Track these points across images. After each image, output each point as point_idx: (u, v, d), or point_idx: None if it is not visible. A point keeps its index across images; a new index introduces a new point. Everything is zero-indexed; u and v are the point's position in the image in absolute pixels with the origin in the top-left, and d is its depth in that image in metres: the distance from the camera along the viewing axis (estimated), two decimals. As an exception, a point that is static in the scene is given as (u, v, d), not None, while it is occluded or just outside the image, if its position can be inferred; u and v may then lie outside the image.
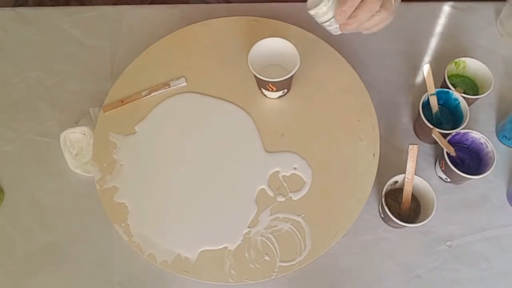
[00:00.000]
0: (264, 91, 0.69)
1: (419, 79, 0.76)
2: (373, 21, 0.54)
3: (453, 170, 0.61)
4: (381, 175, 0.65)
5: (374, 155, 0.66)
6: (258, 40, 0.66)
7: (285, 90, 0.69)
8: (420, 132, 0.70)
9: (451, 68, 0.70)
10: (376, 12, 0.53)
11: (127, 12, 0.82)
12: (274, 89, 0.66)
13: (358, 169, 0.65)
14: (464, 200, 0.66)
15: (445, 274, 0.62)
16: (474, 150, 0.66)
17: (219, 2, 0.86)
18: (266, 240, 0.62)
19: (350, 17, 0.53)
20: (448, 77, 0.69)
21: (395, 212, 0.63)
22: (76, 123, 0.70)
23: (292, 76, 0.64)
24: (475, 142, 0.65)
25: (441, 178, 0.67)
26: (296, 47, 0.65)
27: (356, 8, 0.52)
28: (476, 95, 0.68)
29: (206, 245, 0.61)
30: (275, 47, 0.67)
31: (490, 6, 0.82)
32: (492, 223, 0.65)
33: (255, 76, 0.65)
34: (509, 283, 0.62)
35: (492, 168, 0.61)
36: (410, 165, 0.61)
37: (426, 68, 0.67)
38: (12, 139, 0.71)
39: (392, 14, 0.55)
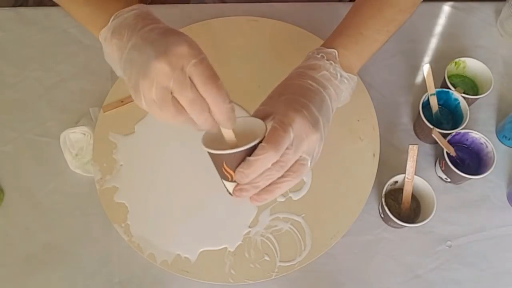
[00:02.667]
0: (226, 184, 0.49)
1: (419, 79, 0.76)
2: (278, 189, 0.46)
3: (453, 170, 0.61)
4: (381, 175, 0.65)
5: (374, 155, 0.66)
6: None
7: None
8: (420, 132, 0.70)
9: (451, 68, 0.70)
10: (285, 178, 0.46)
11: (127, 12, 0.82)
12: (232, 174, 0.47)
13: (358, 169, 0.65)
14: (464, 200, 0.66)
15: (445, 274, 0.62)
16: (474, 150, 0.66)
17: (219, 2, 0.86)
18: (266, 240, 0.62)
19: (250, 182, 0.45)
20: (448, 77, 0.69)
21: (395, 212, 0.63)
22: (76, 123, 0.70)
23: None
24: (475, 142, 0.65)
25: (441, 178, 0.67)
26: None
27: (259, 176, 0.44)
28: (476, 95, 0.68)
29: (206, 246, 0.61)
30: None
31: (490, 6, 0.82)
32: (492, 223, 0.65)
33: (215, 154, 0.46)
34: (509, 283, 0.62)
35: (492, 168, 0.61)
36: (410, 165, 0.61)
37: (426, 68, 0.67)
38: (12, 139, 0.71)
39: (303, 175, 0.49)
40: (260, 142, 0.45)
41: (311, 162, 0.48)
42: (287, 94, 0.50)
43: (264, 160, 0.43)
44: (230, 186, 0.48)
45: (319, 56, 0.54)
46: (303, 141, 0.46)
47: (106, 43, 0.48)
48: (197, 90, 0.42)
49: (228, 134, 0.46)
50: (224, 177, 0.47)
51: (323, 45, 0.56)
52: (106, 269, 0.63)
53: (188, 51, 0.41)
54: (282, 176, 0.46)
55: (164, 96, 0.41)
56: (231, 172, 0.46)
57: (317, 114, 0.48)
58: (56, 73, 0.76)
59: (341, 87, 0.53)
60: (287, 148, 0.45)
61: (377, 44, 0.57)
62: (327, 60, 0.53)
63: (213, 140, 0.46)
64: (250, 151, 0.44)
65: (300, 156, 0.47)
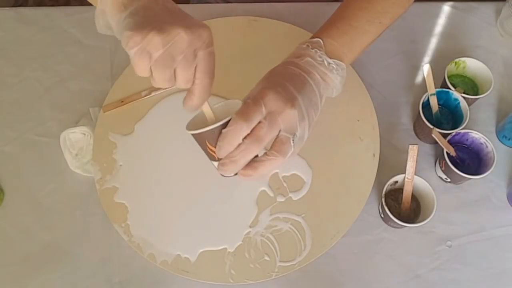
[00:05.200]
0: (215, 164, 0.52)
1: (419, 79, 0.76)
2: (262, 166, 0.48)
3: (453, 170, 0.61)
4: (381, 175, 0.65)
5: (374, 155, 0.66)
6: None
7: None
8: (420, 132, 0.70)
9: (451, 68, 0.70)
10: (268, 156, 0.48)
11: (127, 12, 0.82)
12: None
13: (358, 169, 0.65)
14: (464, 200, 0.66)
15: (445, 274, 0.62)
16: (474, 150, 0.66)
17: (219, 2, 0.86)
18: (266, 240, 0.62)
19: (227, 156, 0.47)
20: (448, 77, 0.69)
21: (395, 212, 0.63)
22: (76, 123, 0.70)
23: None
24: (475, 142, 0.65)
25: (441, 178, 0.67)
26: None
27: (236, 148, 0.47)
28: (476, 95, 0.68)
29: (206, 246, 0.61)
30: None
31: (490, 6, 0.82)
32: (492, 223, 0.65)
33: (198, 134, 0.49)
34: (509, 283, 0.62)
35: (492, 168, 0.61)
36: (410, 165, 0.61)
37: (426, 68, 0.67)
38: (12, 139, 0.71)
39: (291, 157, 0.49)
40: None
41: (293, 141, 0.48)
42: (269, 78, 0.52)
43: (235, 131, 0.46)
44: (217, 165, 0.50)
45: (304, 46, 0.55)
46: (277, 116, 0.47)
47: None
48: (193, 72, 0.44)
49: (208, 112, 0.50)
50: (211, 157, 0.51)
51: (311, 37, 0.57)
52: (106, 269, 0.63)
53: (208, 39, 0.44)
54: (266, 154, 0.48)
55: (166, 62, 0.42)
56: (214, 149, 0.49)
57: (294, 92, 0.49)
58: (56, 73, 0.76)
59: (330, 74, 0.54)
60: (260, 122, 0.47)
61: (370, 36, 0.57)
62: (312, 48, 0.54)
63: (197, 124, 0.49)
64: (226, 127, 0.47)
65: (280, 133, 0.48)
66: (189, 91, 0.46)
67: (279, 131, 0.48)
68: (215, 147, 0.48)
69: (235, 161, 0.47)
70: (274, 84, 0.50)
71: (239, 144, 0.46)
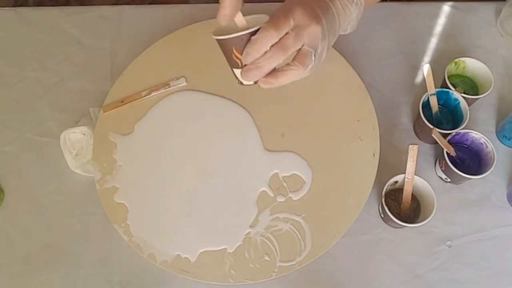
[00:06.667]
0: (236, 72, 0.54)
1: (419, 79, 0.76)
2: (283, 76, 0.50)
3: (453, 170, 0.61)
4: (381, 175, 0.65)
5: (374, 155, 0.66)
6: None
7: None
8: (420, 132, 0.70)
9: (451, 68, 0.70)
10: (290, 66, 0.50)
11: (127, 12, 0.82)
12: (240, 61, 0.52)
13: (358, 169, 0.65)
14: (464, 200, 0.66)
15: (445, 274, 0.62)
16: (474, 150, 0.66)
17: (219, 2, 0.86)
18: (266, 240, 0.62)
19: (253, 62, 0.50)
20: (448, 77, 0.69)
21: (395, 212, 0.63)
22: (76, 123, 0.70)
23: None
24: (475, 142, 0.65)
25: (441, 178, 0.67)
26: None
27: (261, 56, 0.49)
28: (476, 95, 0.68)
29: (206, 246, 0.61)
30: None
31: (490, 6, 0.82)
32: (492, 223, 0.65)
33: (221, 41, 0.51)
34: (509, 283, 0.62)
35: (492, 168, 0.61)
36: (410, 165, 0.61)
37: (426, 68, 0.67)
38: (12, 139, 0.71)
39: (309, 72, 0.52)
40: None
41: (315, 56, 0.51)
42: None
43: (264, 38, 0.48)
44: (238, 73, 0.52)
45: None
46: (303, 30, 0.50)
47: None
48: None
49: (242, 23, 0.54)
50: (234, 64, 0.52)
51: None
52: (106, 269, 0.63)
53: None
54: (288, 65, 0.51)
55: None
56: (240, 56, 0.51)
57: (319, 13, 0.52)
58: (56, 73, 0.76)
59: (350, 6, 0.55)
60: (287, 33, 0.49)
61: None
62: None
63: (223, 33, 0.51)
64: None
65: (303, 47, 0.50)
66: (219, 3, 0.51)
67: (303, 44, 0.50)
68: (241, 54, 0.50)
69: (260, 67, 0.49)
70: (301, 2, 0.52)
71: (265, 52, 0.49)
